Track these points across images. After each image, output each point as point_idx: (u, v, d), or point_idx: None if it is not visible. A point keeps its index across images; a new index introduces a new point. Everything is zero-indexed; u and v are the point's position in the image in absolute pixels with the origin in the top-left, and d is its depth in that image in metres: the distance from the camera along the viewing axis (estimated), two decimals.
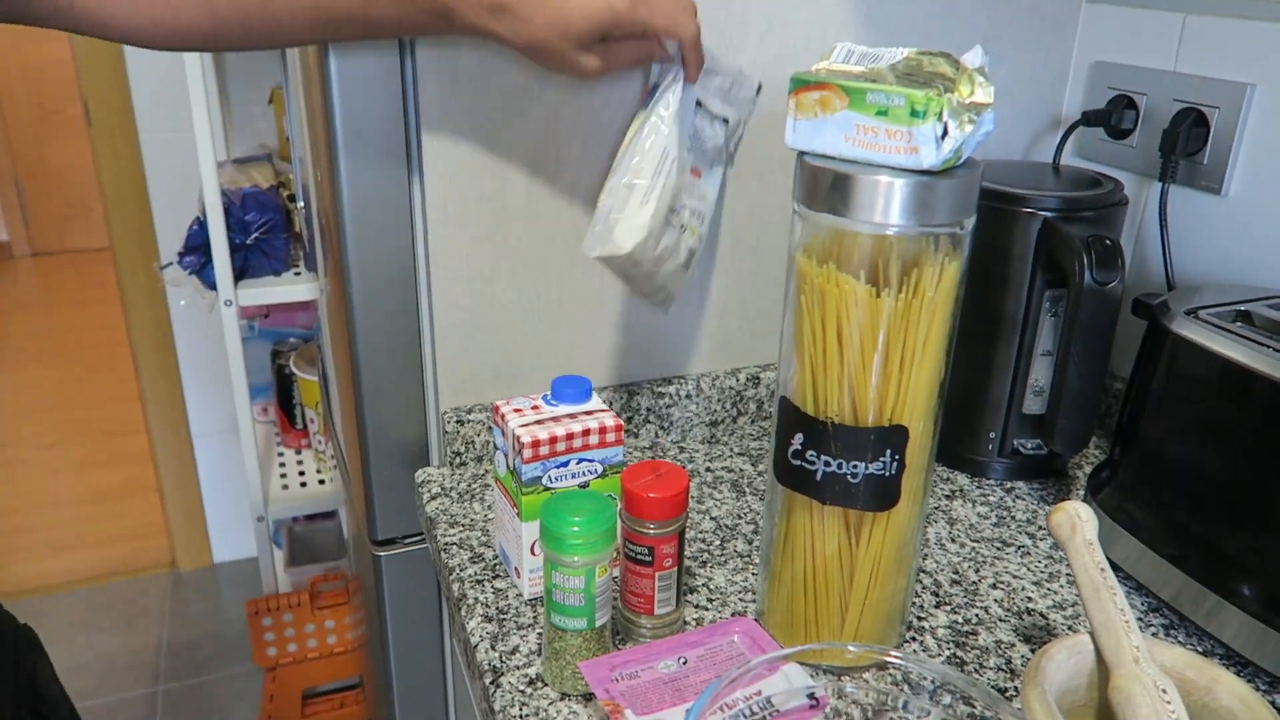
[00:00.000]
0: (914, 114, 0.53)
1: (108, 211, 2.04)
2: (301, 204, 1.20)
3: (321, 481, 1.82)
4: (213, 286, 1.54)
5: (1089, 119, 0.93)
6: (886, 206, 0.54)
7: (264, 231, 1.53)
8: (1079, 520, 0.58)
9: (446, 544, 0.78)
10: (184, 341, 2.14)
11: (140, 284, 2.09)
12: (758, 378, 0.95)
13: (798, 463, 0.61)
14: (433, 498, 0.84)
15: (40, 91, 4.30)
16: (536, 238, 0.84)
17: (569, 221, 0.85)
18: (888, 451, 0.59)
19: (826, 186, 0.56)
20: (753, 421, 0.97)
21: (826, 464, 0.60)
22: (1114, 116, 0.92)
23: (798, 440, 0.61)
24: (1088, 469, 0.90)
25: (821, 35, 0.86)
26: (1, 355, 3.57)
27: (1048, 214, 0.80)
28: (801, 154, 0.58)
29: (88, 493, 2.74)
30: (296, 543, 1.99)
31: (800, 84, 0.57)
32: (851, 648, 0.61)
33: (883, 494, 0.60)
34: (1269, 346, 0.65)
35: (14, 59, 4.21)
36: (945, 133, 0.53)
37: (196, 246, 1.53)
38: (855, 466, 0.59)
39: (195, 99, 1.43)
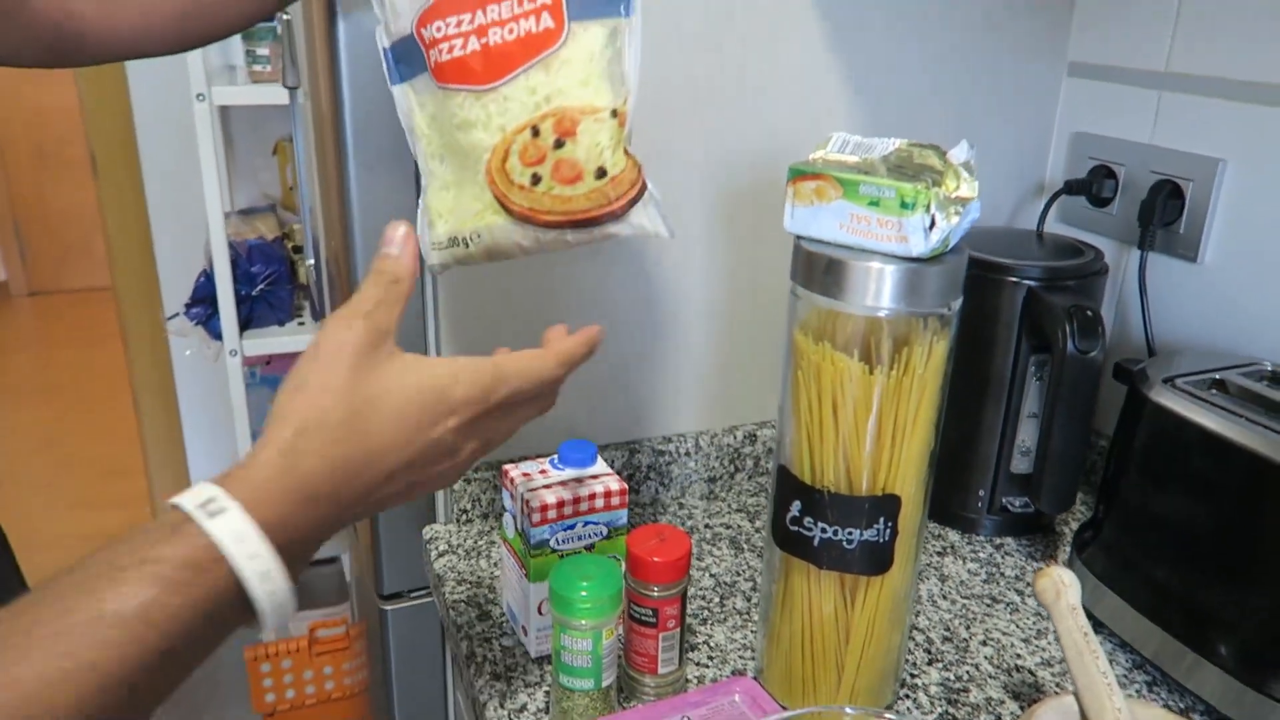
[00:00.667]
0: (904, 205, 0.56)
1: (111, 257, 2.08)
2: (311, 261, 1.23)
3: None
4: (218, 337, 1.57)
5: (1070, 188, 0.97)
6: (878, 291, 0.58)
7: (269, 283, 1.57)
8: (1063, 585, 0.60)
9: (454, 601, 0.81)
10: (184, 384, 2.17)
11: (143, 327, 2.12)
12: (754, 435, 0.98)
13: (795, 529, 0.64)
14: (440, 554, 0.87)
15: (39, 132, 4.35)
16: (540, 296, 0.87)
17: (573, 282, 0.88)
18: (881, 519, 0.62)
19: (822, 270, 0.59)
20: (750, 478, 1.00)
21: (823, 530, 0.63)
22: (1094, 186, 0.96)
23: (795, 507, 0.64)
24: (1074, 525, 0.93)
25: (813, 107, 0.91)
26: None
27: (1032, 283, 0.84)
28: (799, 238, 0.62)
29: (84, 533, 2.74)
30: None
31: (798, 174, 0.61)
32: (849, 710, 0.63)
33: (877, 559, 0.63)
34: (1242, 415, 0.69)
35: (13, 100, 4.27)
36: (933, 224, 0.56)
37: (203, 298, 1.57)
38: (850, 533, 0.62)
39: (205, 156, 1.47)
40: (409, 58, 0.60)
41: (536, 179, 0.57)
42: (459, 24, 0.57)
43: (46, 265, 4.57)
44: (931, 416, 0.62)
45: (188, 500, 0.42)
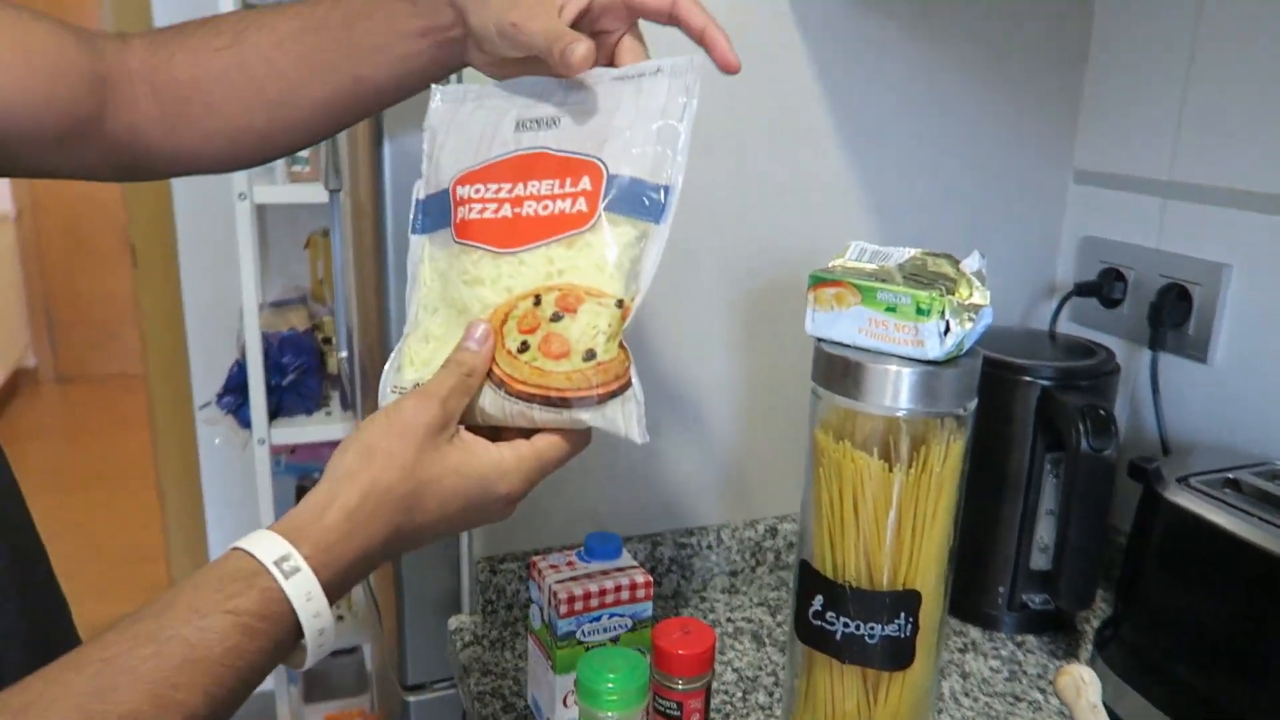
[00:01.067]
0: (919, 311, 0.60)
1: (145, 346, 2.13)
2: (344, 353, 1.27)
3: (340, 618, 1.84)
4: (248, 425, 1.60)
5: (1081, 289, 1.00)
6: (896, 392, 0.61)
7: (299, 373, 1.61)
8: (1083, 684, 0.61)
9: (479, 693, 0.82)
10: (209, 472, 2.19)
11: (171, 415, 2.16)
12: (775, 529, 1.00)
13: (818, 623, 0.65)
14: (465, 645, 0.88)
15: (75, 222, 4.49)
16: None
17: None
18: (902, 614, 0.63)
19: (841, 372, 0.62)
20: (771, 571, 1.01)
21: (845, 625, 0.64)
22: (1104, 288, 0.99)
23: (818, 601, 0.65)
24: (1096, 623, 0.94)
25: (830, 213, 0.95)
26: (22, 479, 3.62)
27: (1045, 383, 0.86)
28: (819, 340, 0.65)
29: (102, 621, 2.74)
30: (313, 678, 1.99)
31: (818, 281, 0.64)
32: None
33: (898, 654, 0.64)
34: (1255, 515, 0.70)
35: (52, 191, 4.42)
36: (948, 329, 0.59)
37: (235, 387, 1.61)
38: (872, 628, 0.64)
39: (243, 251, 1.53)
40: (437, 212, 0.61)
41: (525, 347, 0.56)
42: (497, 190, 0.58)
43: (75, 351, 4.66)
44: (950, 513, 0.64)
45: (263, 553, 0.47)
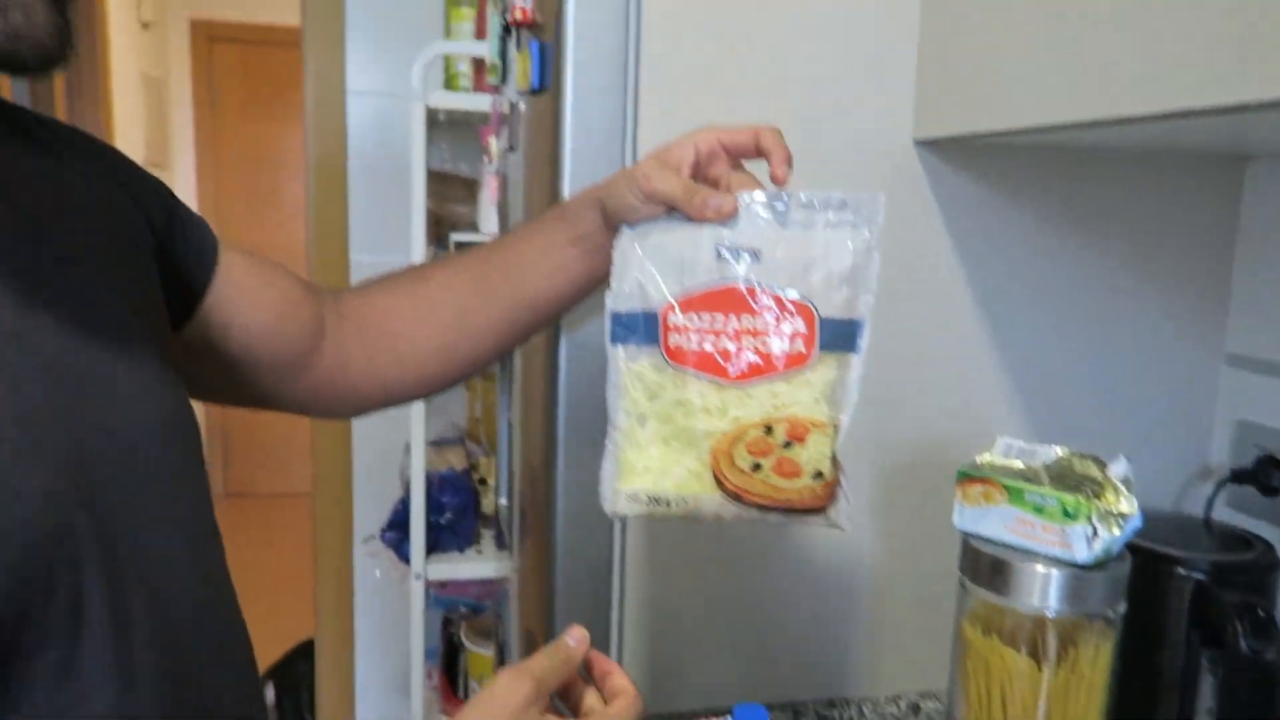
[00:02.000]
0: (1066, 514, 0.62)
1: (316, 469, 2.29)
2: (504, 500, 1.36)
3: None
4: (406, 559, 1.70)
5: (1237, 476, 0.99)
6: (1044, 592, 0.63)
7: (456, 513, 1.71)
8: None
9: None
10: (361, 599, 2.30)
11: (332, 537, 2.30)
12: (918, 706, 1.00)
13: None
14: None
15: None
16: (721, 544, 0.95)
17: (752, 542, 0.95)
18: None
19: (989, 568, 0.65)
20: None
21: None
22: (1262, 475, 0.98)
23: None
24: None
25: (971, 398, 0.98)
26: None
27: (1199, 576, 0.85)
28: (967, 534, 0.68)
29: None
30: None
31: (966, 476, 0.68)
32: None
33: None
34: None
35: None
36: (1095, 533, 0.62)
37: (398, 523, 1.72)
38: None
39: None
40: (641, 330, 0.69)
41: (757, 466, 0.67)
42: (711, 322, 0.68)
43: (245, 469, 5.00)
44: (1099, 717, 0.65)
45: None
